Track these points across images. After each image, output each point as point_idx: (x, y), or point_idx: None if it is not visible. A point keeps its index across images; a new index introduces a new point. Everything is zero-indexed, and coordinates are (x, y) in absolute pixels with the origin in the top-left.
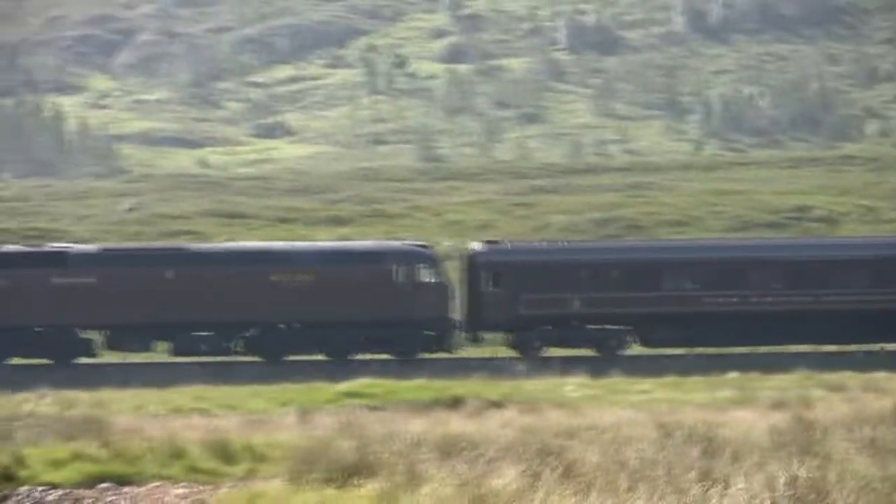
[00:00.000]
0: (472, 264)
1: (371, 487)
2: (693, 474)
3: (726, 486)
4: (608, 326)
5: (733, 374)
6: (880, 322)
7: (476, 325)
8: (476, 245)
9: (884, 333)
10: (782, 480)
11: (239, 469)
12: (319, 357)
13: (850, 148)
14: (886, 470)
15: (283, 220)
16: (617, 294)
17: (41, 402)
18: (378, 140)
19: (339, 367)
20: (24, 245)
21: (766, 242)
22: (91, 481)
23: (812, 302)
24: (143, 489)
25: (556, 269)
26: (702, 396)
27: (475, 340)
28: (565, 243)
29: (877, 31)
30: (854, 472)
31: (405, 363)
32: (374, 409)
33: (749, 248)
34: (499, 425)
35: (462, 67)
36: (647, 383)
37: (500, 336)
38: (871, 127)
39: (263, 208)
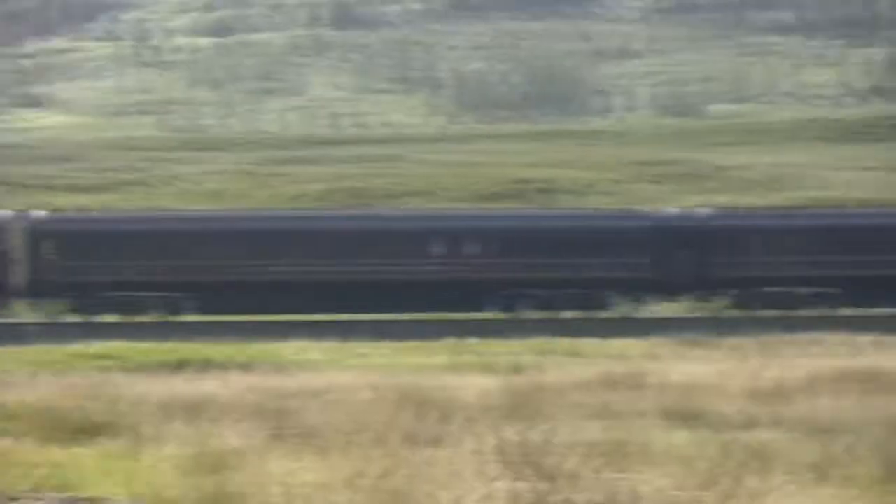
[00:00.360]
0: (35, 233)
1: (109, 446)
2: (420, 437)
3: (457, 449)
4: (172, 294)
5: (473, 340)
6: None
7: (39, 291)
8: (38, 213)
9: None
10: (503, 443)
11: None
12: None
13: (588, 122)
14: (611, 433)
15: (48, 188)
16: (171, 262)
17: None
18: (142, 110)
19: (93, 330)
20: None
21: (314, 213)
22: None
23: (355, 271)
24: None
25: (113, 237)
26: (441, 360)
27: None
28: (130, 213)
29: (615, 10)
30: (572, 434)
31: (162, 327)
32: (121, 370)
33: (293, 219)
34: (244, 388)
35: (225, 40)
36: (387, 347)
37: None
38: (608, 102)
39: (29, 176)
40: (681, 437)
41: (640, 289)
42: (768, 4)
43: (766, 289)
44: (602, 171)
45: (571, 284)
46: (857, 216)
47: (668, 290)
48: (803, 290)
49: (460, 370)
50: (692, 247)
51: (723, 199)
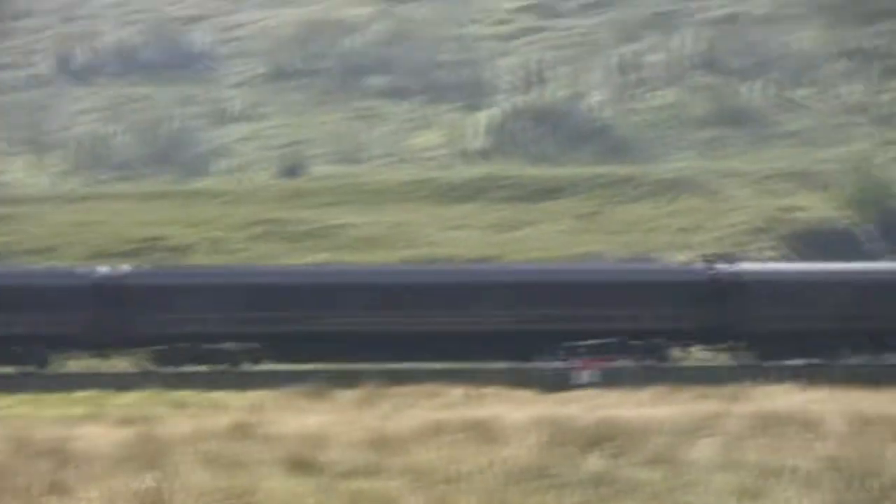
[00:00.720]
0: None
1: None
2: (46, 486)
3: (87, 497)
4: None
5: (87, 392)
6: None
7: None
8: None
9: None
10: (128, 491)
11: None
12: None
13: (201, 182)
14: (232, 482)
15: None
16: None
17: None
18: None
19: None
20: None
21: None
22: None
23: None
24: None
25: None
26: (56, 412)
27: None
28: None
29: (227, 76)
30: (195, 483)
31: None
32: None
33: None
34: None
35: None
36: (26, 399)
37: None
38: (221, 164)
39: None
40: (299, 485)
41: (78, 345)
42: (378, 70)
43: (190, 344)
44: (213, 230)
45: (9, 341)
46: (275, 274)
47: (102, 347)
48: (227, 346)
49: (91, 421)
50: (118, 304)
51: (332, 257)
